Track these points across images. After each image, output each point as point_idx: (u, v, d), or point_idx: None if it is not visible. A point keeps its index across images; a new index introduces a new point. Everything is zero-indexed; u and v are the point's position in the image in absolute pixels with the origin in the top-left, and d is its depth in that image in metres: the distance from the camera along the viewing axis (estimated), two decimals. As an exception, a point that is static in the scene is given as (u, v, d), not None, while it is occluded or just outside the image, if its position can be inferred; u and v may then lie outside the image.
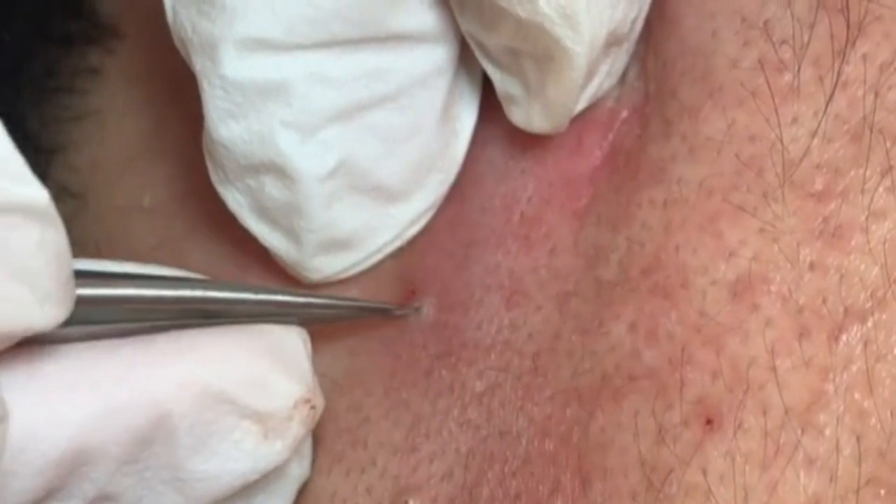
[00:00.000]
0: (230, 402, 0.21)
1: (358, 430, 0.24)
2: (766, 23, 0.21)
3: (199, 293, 0.22)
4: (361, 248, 0.24)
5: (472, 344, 0.24)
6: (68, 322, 0.19)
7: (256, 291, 0.23)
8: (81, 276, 0.20)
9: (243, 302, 0.22)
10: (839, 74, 0.21)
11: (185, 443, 0.21)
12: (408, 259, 0.25)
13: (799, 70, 0.21)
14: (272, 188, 0.23)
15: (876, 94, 0.20)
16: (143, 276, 0.22)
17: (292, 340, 0.23)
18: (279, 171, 0.23)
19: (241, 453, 0.21)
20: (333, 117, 0.23)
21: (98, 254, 0.28)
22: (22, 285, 0.17)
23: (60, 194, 0.29)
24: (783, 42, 0.21)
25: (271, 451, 0.22)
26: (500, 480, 0.22)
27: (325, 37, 0.22)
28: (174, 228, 0.27)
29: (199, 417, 0.21)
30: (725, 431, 0.20)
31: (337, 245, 0.24)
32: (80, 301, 0.19)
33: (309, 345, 0.23)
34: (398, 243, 0.25)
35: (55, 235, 0.18)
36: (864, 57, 0.21)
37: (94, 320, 0.21)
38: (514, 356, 0.23)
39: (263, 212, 0.24)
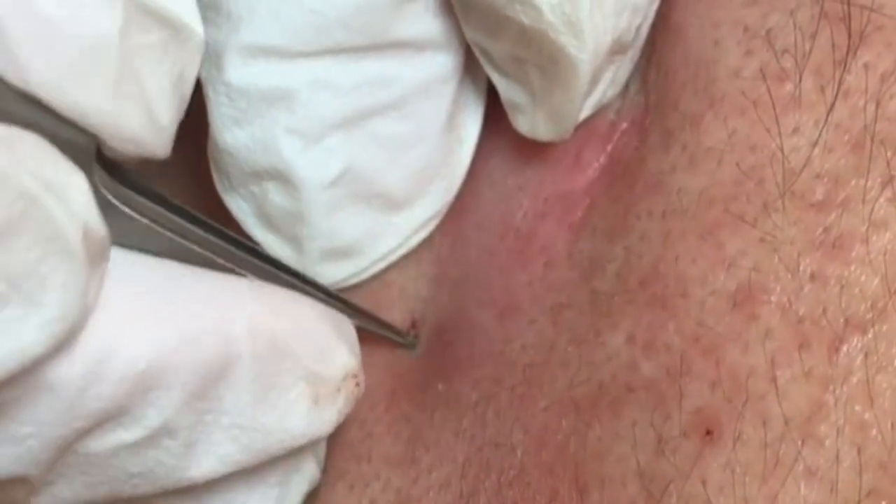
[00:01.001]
0: (294, 357, 0.21)
1: (361, 445, 0.24)
2: (768, 32, 0.21)
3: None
4: (365, 256, 0.24)
5: (466, 357, 0.24)
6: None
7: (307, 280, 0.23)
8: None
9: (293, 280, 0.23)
10: (840, 84, 0.20)
11: (248, 388, 0.21)
12: (411, 273, 0.25)
13: (800, 79, 0.21)
14: (275, 195, 0.23)
15: (877, 104, 0.20)
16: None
17: (347, 322, 0.23)
18: (282, 178, 0.23)
19: (295, 414, 0.21)
20: (337, 125, 0.23)
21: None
22: (155, 106, 0.19)
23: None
24: (785, 51, 0.21)
25: (320, 418, 0.22)
26: (497, 490, 0.22)
27: (329, 44, 0.22)
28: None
29: (264, 367, 0.21)
30: (725, 442, 0.20)
31: (340, 253, 0.24)
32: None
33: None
34: (402, 251, 0.25)
35: (192, 73, 0.20)
36: (866, 66, 0.20)
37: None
38: (506, 368, 0.23)
39: (267, 219, 0.24)
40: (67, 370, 0.18)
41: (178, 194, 0.27)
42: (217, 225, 0.22)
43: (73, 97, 0.18)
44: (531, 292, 0.23)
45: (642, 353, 0.21)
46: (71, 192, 0.17)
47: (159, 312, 0.20)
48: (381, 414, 0.24)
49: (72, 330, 0.18)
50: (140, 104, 0.19)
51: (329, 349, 0.22)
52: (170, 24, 0.19)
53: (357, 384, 0.23)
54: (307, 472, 0.24)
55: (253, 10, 0.22)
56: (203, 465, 0.21)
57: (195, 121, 0.23)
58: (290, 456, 0.23)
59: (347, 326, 0.23)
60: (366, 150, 0.23)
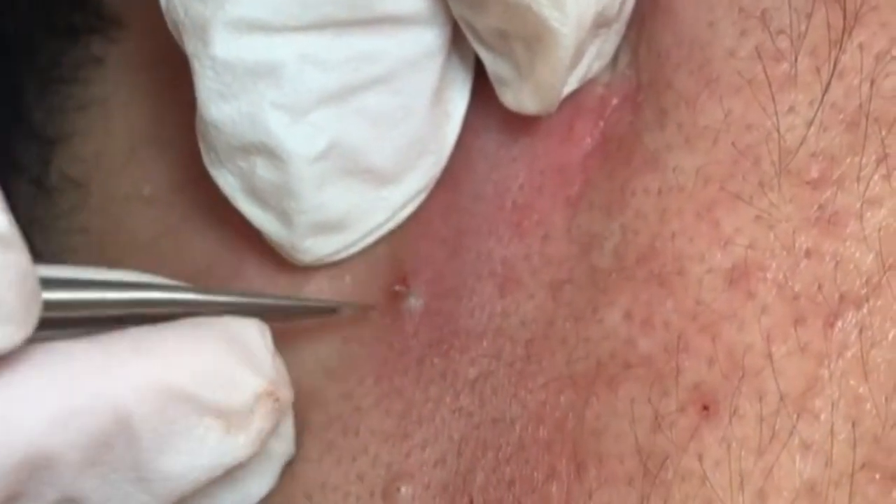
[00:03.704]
0: (190, 399, 0.20)
1: (349, 418, 0.24)
2: (763, 12, 0.21)
3: (151, 295, 0.21)
4: (354, 230, 0.24)
5: (464, 331, 0.23)
6: None
7: (208, 293, 0.22)
8: (42, 283, 0.19)
9: (195, 303, 0.22)
10: (836, 64, 0.20)
11: (148, 444, 0.20)
12: (401, 245, 0.25)
13: (796, 59, 0.21)
14: (263, 170, 0.22)
15: (872, 83, 0.20)
16: (100, 282, 0.21)
17: (250, 333, 0.22)
18: (269, 152, 0.22)
19: (205, 449, 0.21)
20: (324, 99, 0.22)
21: (100, 243, 0.28)
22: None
23: (64, 184, 0.28)
24: (780, 32, 0.21)
25: (235, 445, 0.21)
26: (495, 467, 0.22)
27: (315, 18, 0.21)
28: (174, 217, 0.27)
29: (160, 417, 0.20)
30: (721, 418, 0.20)
31: (329, 227, 0.23)
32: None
33: (269, 337, 0.22)
34: (391, 226, 0.24)
35: (18, 258, 0.18)
36: (861, 46, 0.20)
37: (52, 326, 0.20)
38: (506, 343, 0.22)
39: (255, 193, 0.23)
40: None
41: (174, 176, 0.27)
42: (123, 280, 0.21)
43: None
44: (529, 266, 0.23)
45: (640, 330, 0.21)
46: None
47: (26, 400, 0.19)
48: (370, 387, 0.24)
49: None
50: None
51: (228, 378, 0.21)
52: None
53: (276, 399, 0.22)
54: (274, 453, 0.23)
55: None
56: None
57: (192, 102, 0.23)
58: None
59: (254, 342, 0.22)
60: (353, 124, 0.23)
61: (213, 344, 0.21)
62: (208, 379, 0.21)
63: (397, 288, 0.24)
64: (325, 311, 0.24)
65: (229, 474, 0.22)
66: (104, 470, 0.20)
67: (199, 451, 0.21)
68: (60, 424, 0.19)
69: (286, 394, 0.22)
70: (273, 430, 0.22)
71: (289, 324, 0.24)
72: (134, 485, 0.20)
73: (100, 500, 0.20)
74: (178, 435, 0.20)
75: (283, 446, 0.23)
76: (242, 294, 0.23)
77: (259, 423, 0.22)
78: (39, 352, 0.19)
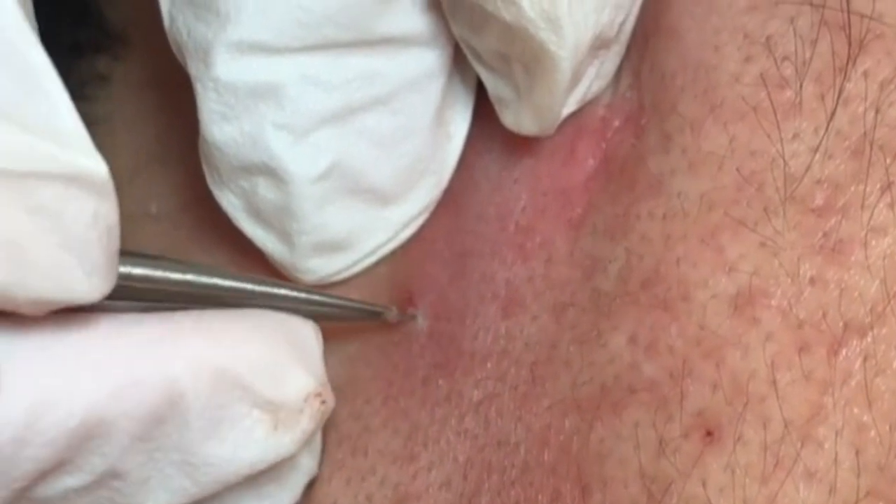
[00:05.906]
0: (243, 388, 0.20)
1: (358, 439, 0.24)
2: (768, 39, 0.21)
3: (214, 280, 0.21)
4: (355, 251, 0.24)
5: (468, 353, 0.23)
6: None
7: (268, 284, 0.22)
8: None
9: (255, 294, 0.22)
10: (841, 91, 0.20)
11: (197, 425, 0.20)
12: (403, 267, 0.24)
13: (801, 87, 0.20)
14: (265, 190, 0.22)
15: (877, 111, 0.20)
16: (168, 260, 0.21)
17: (307, 333, 0.22)
18: (271, 172, 0.22)
19: (250, 442, 0.21)
20: (325, 120, 0.22)
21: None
22: (72, 256, 0.17)
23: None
24: (785, 58, 0.21)
25: (280, 442, 0.21)
26: (499, 490, 0.21)
27: (316, 40, 0.21)
28: (180, 235, 0.26)
29: (211, 400, 0.20)
30: (725, 444, 0.19)
31: (330, 247, 0.23)
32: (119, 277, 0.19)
33: (321, 340, 0.22)
34: (392, 245, 0.24)
35: (109, 210, 0.18)
36: (866, 74, 0.20)
37: (120, 297, 0.20)
38: (510, 366, 0.22)
39: (257, 213, 0.23)
40: None
41: (180, 194, 0.27)
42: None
43: None
44: (533, 288, 0.22)
45: (644, 354, 0.20)
46: None
47: (91, 365, 0.19)
48: (378, 407, 0.24)
49: None
50: (37, 270, 0.17)
51: (283, 373, 0.21)
52: (60, 179, 0.17)
53: (323, 402, 0.22)
54: (302, 467, 0.23)
55: (241, 7, 0.21)
56: (158, 500, 0.20)
57: (196, 120, 0.23)
58: None
59: (309, 342, 0.22)
60: (354, 144, 0.22)
61: (272, 338, 0.21)
62: (263, 371, 0.21)
63: (408, 310, 0.24)
64: (373, 315, 0.24)
65: (256, 482, 0.22)
66: (152, 447, 0.19)
67: (245, 444, 0.21)
68: (120, 394, 0.19)
69: (331, 398, 0.22)
70: (316, 433, 0.22)
71: (333, 323, 0.24)
72: (177, 467, 0.20)
73: (141, 479, 0.20)
74: (226, 422, 0.20)
75: (311, 462, 0.23)
76: (300, 289, 0.23)
77: (306, 423, 0.21)
78: (106, 320, 0.19)
